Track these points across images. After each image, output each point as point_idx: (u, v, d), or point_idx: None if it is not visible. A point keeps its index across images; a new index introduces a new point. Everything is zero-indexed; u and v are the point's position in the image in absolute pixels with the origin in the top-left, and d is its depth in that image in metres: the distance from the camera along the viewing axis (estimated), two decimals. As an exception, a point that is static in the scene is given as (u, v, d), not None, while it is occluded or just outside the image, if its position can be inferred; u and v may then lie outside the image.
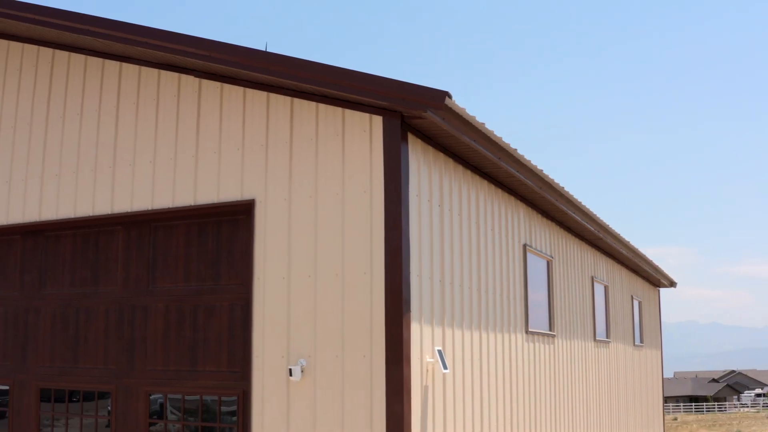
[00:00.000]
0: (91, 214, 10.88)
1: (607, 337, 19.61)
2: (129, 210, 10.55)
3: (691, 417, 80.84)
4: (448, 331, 9.98)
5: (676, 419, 71.84)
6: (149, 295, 10.57)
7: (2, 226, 11.75)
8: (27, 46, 12.13)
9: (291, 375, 9.08)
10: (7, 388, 11.73)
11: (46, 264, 11.61)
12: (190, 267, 10.32)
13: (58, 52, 11.74)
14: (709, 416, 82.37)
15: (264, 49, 9.69)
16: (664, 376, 32.34)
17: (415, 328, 9.02)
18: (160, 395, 10.38)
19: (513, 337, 12.35)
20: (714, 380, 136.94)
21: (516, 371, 12.38)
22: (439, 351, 9.41)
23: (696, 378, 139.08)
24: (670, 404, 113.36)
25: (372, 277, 8.89)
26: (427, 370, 9.25)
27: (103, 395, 10.85)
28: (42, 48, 11.93)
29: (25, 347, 11.61)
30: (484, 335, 11.10)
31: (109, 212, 10.72)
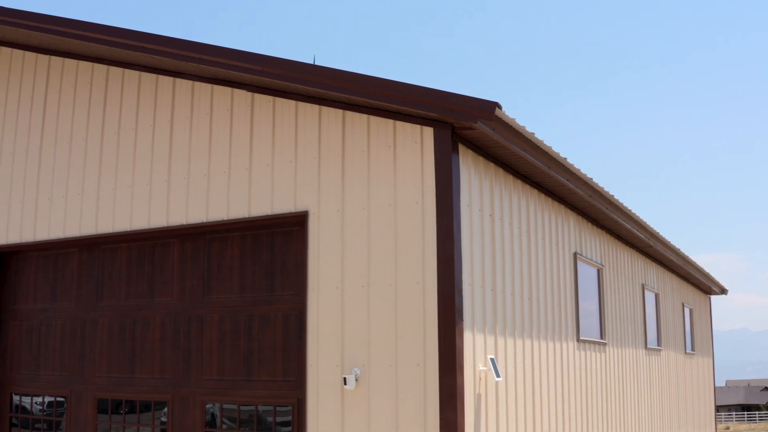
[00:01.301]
0: (146, 227, 11.07)
1: (658, 345, 19.50)
2: (184, 223, 10.73)
3: (744, 426, 79.88)
4: (500, 340, 10.03)
5: (728, 428, 71.03)
6: (205, 306, 10.73)
7: (59, 239, 11.98)
8: (82, 62, 12.37)
9: (345, 384, 9.17)
10: (65, 398, 11.94)
11: (102, 276, 11.82)
12: (245, 278, 10.48)
13: (112, 68, 11.96)
14: (762, 425, 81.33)
15: (313, 63, 9.83)
16: (716, 385, 32.05)
17: (467, 337, 9.09)
18: (215, 405, 10.52)
19: (564, 345, 12.36)
20: (766, 388, 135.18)
21: (567, 379, 12.39)
22: (492, 359, 9.47)
23: (748, 386, 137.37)
24: (722, 413, 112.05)
25: (425, 287, 8.97)
26: (480, 379, 9.31)
27: (159, 405, 11.02)
28: (96, 64, 12.15)
29: (83, 358, 11.83)
30: (535, 343, 11.13)
31: (165, 225, 10.90)
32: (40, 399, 12.26)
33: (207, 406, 10.60)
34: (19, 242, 12.49)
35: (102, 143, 11.77)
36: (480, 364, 9.32)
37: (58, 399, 12.05)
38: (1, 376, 12.79)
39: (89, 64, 12.25)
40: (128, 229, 11.24)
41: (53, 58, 12.78)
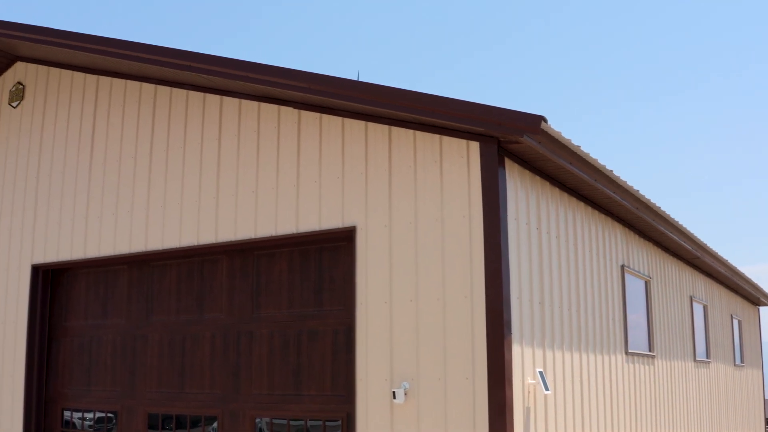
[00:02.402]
0: (195, 244, 11.19)
1: (707, 358, 19.34)
2: (233, 239, 10.83)
3: (795, 438, 78.64)
4: (549, 353, 10.02)
5: (778, 441, 69.97)
6: (254, 322, 10.82)
7: (109, 256, 12.14)
8: (129, 82, 12.54)
9: (394, 398, 9.21)
10: (115, 414, 12.07)
11: (152, 292, 11.96)
12: (293, 293, 10.56)
13: (160, 87, 12.12)
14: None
15: (357, 78, 9.91)
16: (766, 397, 31.65)
17: (516, 350, 9.10)
18: (264, 419, 10.59)
19: (613, 357, 12.31)
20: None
21: (616, 391, 12.34)
22: (540, 372, 9.46)
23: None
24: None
25: (473, 300, 9.00)
26: (529, 392, 9.31)
27: (209, 420, 11.11)
28: (144, 84, 12.32)
29: (134, 373, 11.96)
30: (584, 356, 11.11)
31: (213, 241, 11.01)
32: (90, 414, 12.40)
33: (256, 420, 10.67)
34: (69, 260, 12.67)
35: (151, 161, 11.92)
36: (529, 378, 9.32)
37: (109, 414, 12.18)
38: (52, 392, 12.96)
39: (137, 83, 12.42)
40: (177, 246, 11.37)
41: (101, 78, 12.96)
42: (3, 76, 14.75)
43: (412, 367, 9.27)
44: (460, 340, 9.00)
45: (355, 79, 9.72)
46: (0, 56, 14.40)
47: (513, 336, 9.03)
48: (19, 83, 14.26)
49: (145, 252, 11.73)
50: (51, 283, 13.28)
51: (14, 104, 14.31)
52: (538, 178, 10.20)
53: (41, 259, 13.09)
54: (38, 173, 13.45)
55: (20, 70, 14.40)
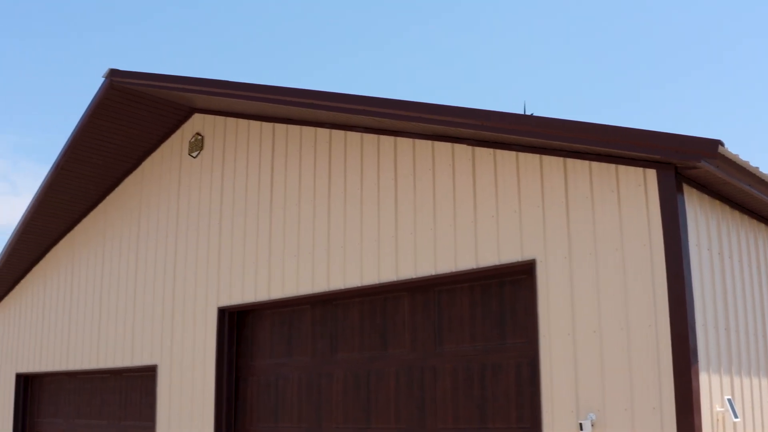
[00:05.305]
0: (377, 282, 11.47)
1: None
2: (413, 276, 11.06)
3: None
4: (737, 380, 9.85)
5: None
6: (437, 357, 11.00)
7: (294, 297, 12.55)
8: (304, 128, 12.98)
9: (581, 429, 9.20)
10: (304, 449, 12.41)
11: (336, 330, 12.30)
12: (475, 328, 10.70)
13: (334, 131, 12.50)
14: None
15: (523, 110, 10.02)
16: None
17: (703, 378, 8.98)
18: (452, 452, 10.72)
19: (803, 383, 11.97)
20: None
21: (808, 418, 11.98)
22: (729, 400, 9.32)
23: None
24: None
25: (657, 329, 8.93)
26: (718, 420, 9.16)
27: (396, 454, 11.31)
28: (319, 129, 12.73)
29: (319, 409, 12.29)
30: (774, 382, 10.85)
31: (394, 279, 11.27)
32: (281, 450, 12.76)
33: (443, 454, 10.81)
34: (254, 301, 13.16)
35: (329, 203, 12.30)
36: (717, 405, 9.19)
37: (299, 450, 12.52)
38: (241, 429, 13.43)
39: (311, 128, 12.84)
40: (359, 285, 11.68)
41: (276, 125, 13.45)
42: (182, 127, 15.49)
43: (597, 398, 9.26)
44: (646, 369, 8.95)
45: (522, 112, 9.84)
46: (178, 109, 15.13)
47: (699, 363, 8.92)
48: (198, 134, 14.94)
49: (328, 292, 12.09)
50: (237, 324, 13.80)
51: (194, 154, 14.99)
52: (717, 202, 10.08)
53: (227, 301, 13.64)
54: (220, 220, 14.04)
55: (198, 122, 15.10)
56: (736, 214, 10.56)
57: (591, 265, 9.48)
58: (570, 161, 9.83)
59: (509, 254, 10.16)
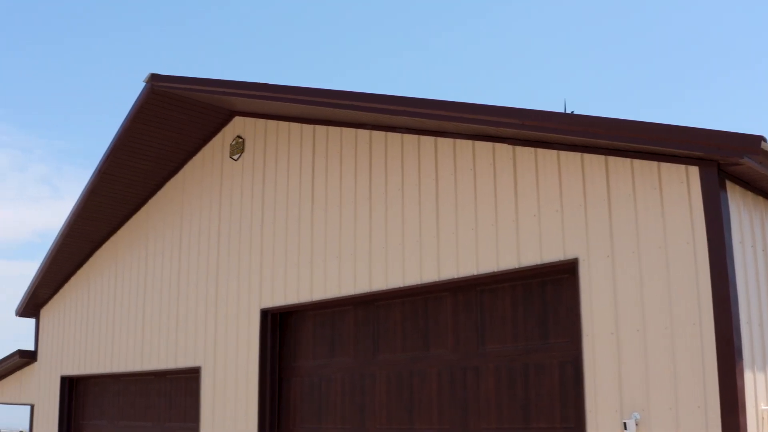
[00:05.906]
0: (419, 282, 11.49)
1: None
2: (455, 276, 11.06)
3: None
4: (783, 378, 9.76)
5: None
6: (479, 357, 11.00)
7: (336, 298, 12.60)
8: (345, 129, 13.03)
9: (626, 429, 9.16)
10: (347, 450, 12.45)
11: (378, 331, 12.33)
12: (518, 327, 10.69)
13: (374, 132, 12.53)
14: None
15: (564, 108, 9.99)
16: None
17: (748, 376, 8.91)
18: (496, 453, 10.71)
19: None
20: None
21: None
22: (776, 399, 9.25)
23: None
24: None
25: (701, 327, 8.88)
26: (763, 418, 9.08)
27: (439, 454, 11.32)
28: (359, 130, 12.77)
29: (363, 410, 12.33)
30: (821, 381, 10.74)
31: (436, 279, 11.27)
32: (324, 451, 12.82)
33: (487, 454, 10.81)
34: (297, 303, 13.22)
35: (370, 204, 12.33)
36: (762, 404, 9.11)
37: (342, 451, 12.57)
38: (284, 430, 13.50)
39: (352, 130, 12.88)
40: (401, 285, 11.70)
41: (317, 126, 13.51)
42: (223, 131, 15.60)
43: (642, 397, 9.21)
44: (690, 368, 8.89)
45: (563, 110, 9.81)
46: (219, 112, 15.25)
47: (744, 361, 8.85)
48: (239, 137, 15.03)
49: (370, 292, 12.12)
50: (279, 326, 13.88)
51: (235, 157, 15.09)
52: (760, 198, 9.99)
53: (269, 303, 13.72)
54: (262, 222, 14.13)
55: (238, 125, 15.20)
56: (781, 210, 10.46)
57: (634, 263, 9.43)
58: (612, 159, 9.79)
59: (551, 253, 10.14)
